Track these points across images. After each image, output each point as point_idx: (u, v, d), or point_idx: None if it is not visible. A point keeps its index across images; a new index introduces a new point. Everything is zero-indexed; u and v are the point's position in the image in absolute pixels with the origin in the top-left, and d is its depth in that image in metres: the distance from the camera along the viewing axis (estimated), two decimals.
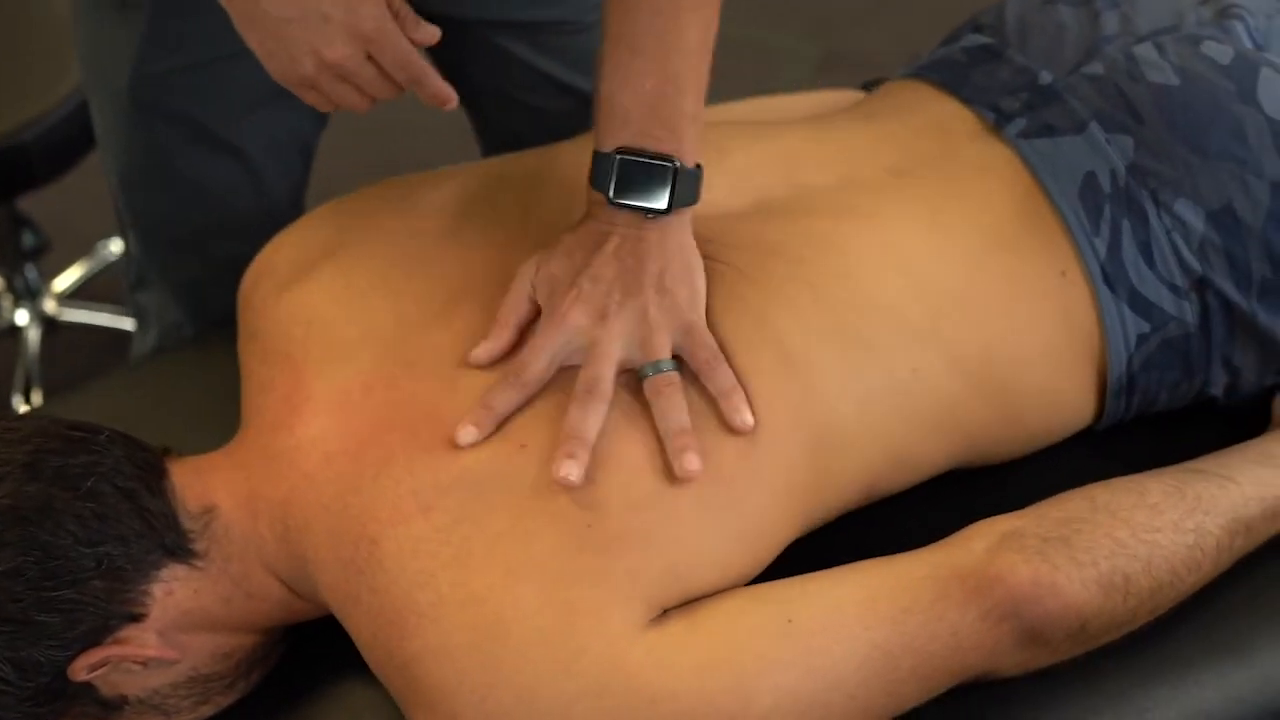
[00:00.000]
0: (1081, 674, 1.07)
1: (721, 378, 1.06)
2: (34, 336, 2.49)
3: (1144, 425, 1.23)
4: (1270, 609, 1.12)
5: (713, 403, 1.06)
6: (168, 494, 1.07)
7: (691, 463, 1.02)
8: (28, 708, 1.03)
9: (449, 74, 1.58)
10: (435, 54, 1.52)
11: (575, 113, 1.41)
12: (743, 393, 1.06)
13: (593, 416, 1.03)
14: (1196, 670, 1.09)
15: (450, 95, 1.14)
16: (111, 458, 1.06)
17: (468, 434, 1.04)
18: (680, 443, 1.03)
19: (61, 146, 2.06)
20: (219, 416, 1.24)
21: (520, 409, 1.06)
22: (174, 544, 1.06)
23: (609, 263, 1.07)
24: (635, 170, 1.05)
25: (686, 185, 1.06)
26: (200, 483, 1.10)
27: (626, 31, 1.05)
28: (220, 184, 1.43)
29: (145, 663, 1.05)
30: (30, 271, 2.48)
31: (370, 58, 1.09)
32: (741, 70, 1.39)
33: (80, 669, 1.02)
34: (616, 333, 1.06)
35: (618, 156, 1.05)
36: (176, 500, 1.08)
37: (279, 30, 1.07)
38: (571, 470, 1.01)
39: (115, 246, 2.66)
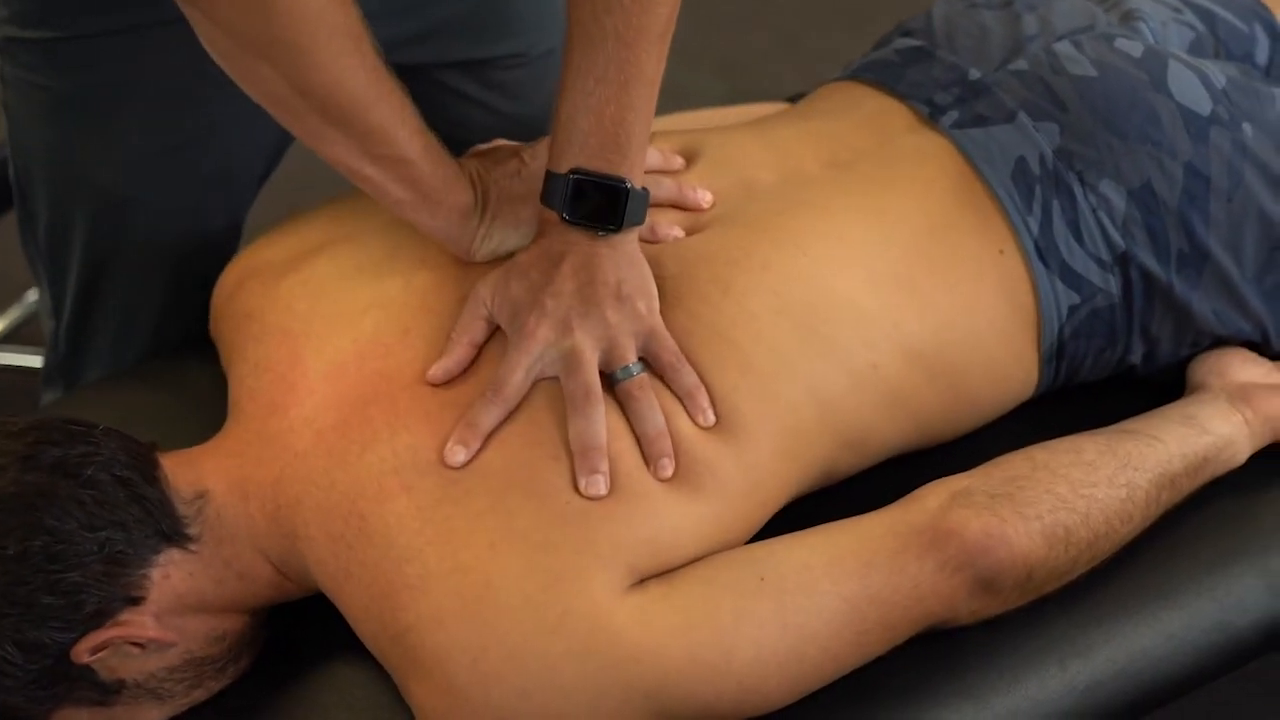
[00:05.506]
0: (1029, 620, 1.14)
1: (685, 378, 1.12)
2: None
3: (1074, 400, 1.31)
4: (1190, 558, 1.22)
5: (677, 401, 1.12)
6: (161, 482, 1.12)
7: (667, 468, 1.09)
8: (31, 690, 1.06)
9: None
10: None
11: (494, 131, 1.41)
12: (705, 392, 1.12)
13: (596, 422, 1.09)
14: (1130, 613, 1.18)
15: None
16: (108, 449, 1.10)
17: (456, 454, 1.08)
18: (658, 448, 1.09)
19: None
20: (183, 433, 1.25)
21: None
22: (170, 529, 1.10)
23: (567, 279, 1.12)
24: (589, 190, 1.10)
25: (636, 205, 1.11)
26: (192, 470, 1.14)
27: (591, 62, 1.09)
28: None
29: (144, 645, 1.09)
30: None
31: None
32: (661, 111, 1.46)
33: (82, 651, 1.06)
34: (585, 340, 1.11)
35: (572, 177, 1.10)
36: (170, 488, 1.12)
37: None
38: (599, 484, 1.07)
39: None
